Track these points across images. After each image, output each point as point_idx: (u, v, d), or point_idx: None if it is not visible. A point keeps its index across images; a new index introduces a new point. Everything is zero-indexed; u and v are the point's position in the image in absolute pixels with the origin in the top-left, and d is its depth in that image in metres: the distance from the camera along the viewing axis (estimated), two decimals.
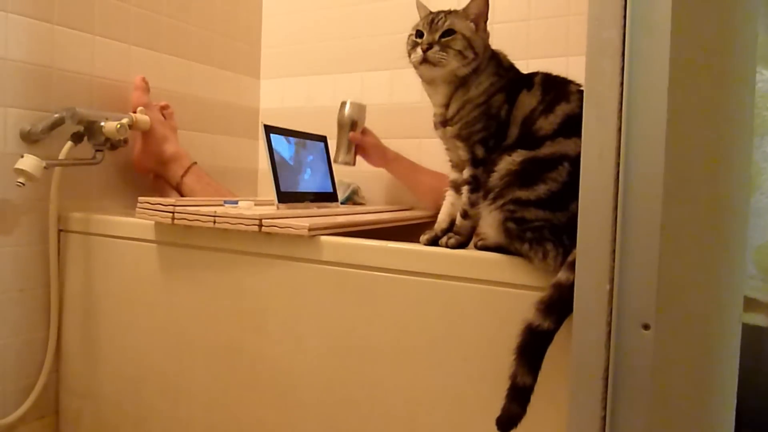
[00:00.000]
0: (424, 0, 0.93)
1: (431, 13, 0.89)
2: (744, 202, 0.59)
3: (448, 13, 0.87)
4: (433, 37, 0.84)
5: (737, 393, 0.59)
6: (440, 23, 0.85)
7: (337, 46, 1.69)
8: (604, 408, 0.60)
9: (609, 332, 0.60)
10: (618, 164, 0.59)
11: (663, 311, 0.57)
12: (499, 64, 0.88)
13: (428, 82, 0.89)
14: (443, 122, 0.88)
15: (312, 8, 1.73)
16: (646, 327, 0.57)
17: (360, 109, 1.40)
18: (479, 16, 0.86)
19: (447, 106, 0.87)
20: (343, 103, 1.39)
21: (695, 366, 0.58)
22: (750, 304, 0.79)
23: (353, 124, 1.38)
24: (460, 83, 0.85)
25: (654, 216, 0.57)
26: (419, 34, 0.87)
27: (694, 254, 0.57)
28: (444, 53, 0.83)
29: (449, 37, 0.84)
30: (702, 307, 0.57)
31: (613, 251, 0.59)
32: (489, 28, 0.88)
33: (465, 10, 0.87)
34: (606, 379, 0.60)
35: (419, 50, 0.85)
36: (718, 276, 0.58)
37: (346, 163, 1.39)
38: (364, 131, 1.41)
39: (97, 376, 1.16)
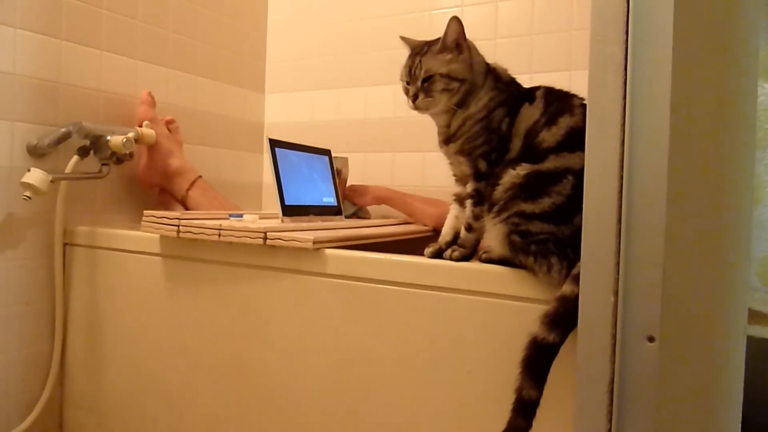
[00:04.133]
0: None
1: (409, 56, 0.90)
2: (747, 214, 0.59)
3: (423, 55, 0.87)
4: (417, 87, 0.87)
5: (743, 405, 0.59)
6: (417, 72, 0.87)
7: (341, 61, 1.70)
8: (610, 420, 0.60)
9: (614, 345, 0.60)
10: (621, 177, 0.59)
11: (667, 323, 0.57)
12: (498, 78, 0.88)
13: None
14: (446, 140, 0.89)
15: (316, 24, 1.74)
16: (650, 339, 0.58)
17: (342, 161, 1.43)
18: (457, 39, 0.86)
19: (449, 125, 0.88)
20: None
21: (700, 378, 0.58)
22: (755, 316, 0.79)
23: (338, 174, 1.41)
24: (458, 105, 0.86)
25: (658, 228, 0.57)
26: (407, 82, 0.90)
27: (698, 266, 0.57)
28: (430, 98, 0.86)
29: (429, 82, 0.86)
30: (706, 319, 0.57)
31: (618, 264, 0.59)
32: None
33: (443, 40, 0.86)
34: (611, 391, 0.60)
35: (409, 100, 0.89)
36: (722, 288, 0.58)
37: (351, 215, 1.45)
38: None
39: (101, 390, 1.16)
